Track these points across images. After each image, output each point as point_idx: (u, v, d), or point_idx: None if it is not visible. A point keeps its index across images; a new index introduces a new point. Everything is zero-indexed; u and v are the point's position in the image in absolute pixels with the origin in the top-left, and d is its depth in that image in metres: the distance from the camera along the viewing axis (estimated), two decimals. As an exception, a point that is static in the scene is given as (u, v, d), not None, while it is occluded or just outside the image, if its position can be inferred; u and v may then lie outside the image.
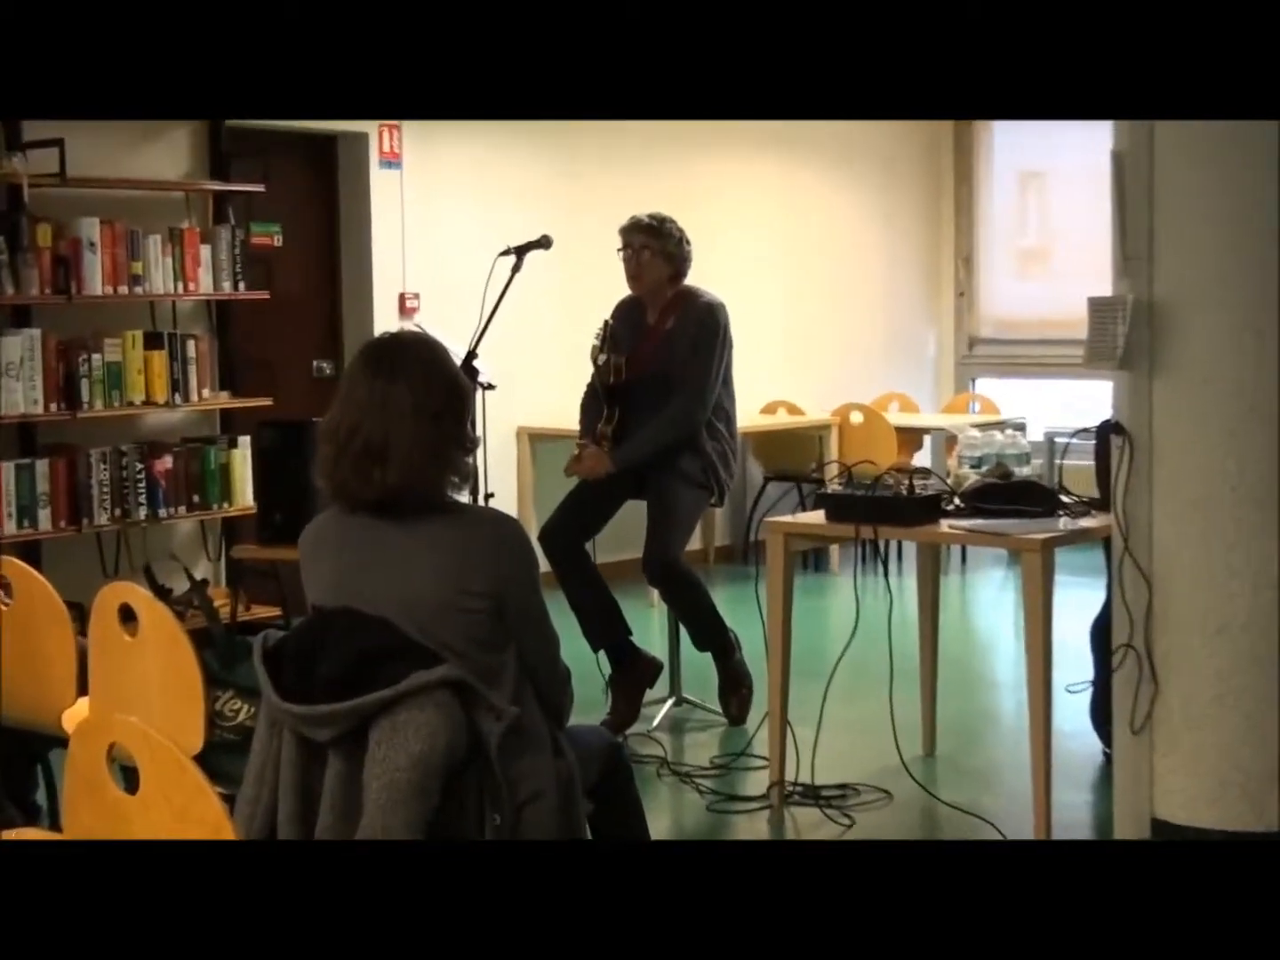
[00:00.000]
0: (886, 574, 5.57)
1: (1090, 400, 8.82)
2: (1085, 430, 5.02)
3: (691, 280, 5.94)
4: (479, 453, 3.28)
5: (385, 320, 7.74)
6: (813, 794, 4.99)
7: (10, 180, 6.24)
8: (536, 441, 8.29)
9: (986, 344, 10.75)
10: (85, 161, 6.53)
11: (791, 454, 9.10)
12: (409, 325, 7.43)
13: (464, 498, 3.27)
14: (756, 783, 5.21)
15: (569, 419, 6.41)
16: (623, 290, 5.96)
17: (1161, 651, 4.06)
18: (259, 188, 7.16)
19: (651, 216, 5.86)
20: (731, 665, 5.95)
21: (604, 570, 5.94)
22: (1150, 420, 4.04)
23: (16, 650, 3.90)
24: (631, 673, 5.85)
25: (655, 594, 6.96)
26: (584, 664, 5.54)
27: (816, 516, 4.95)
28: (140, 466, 6.64)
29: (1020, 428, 8.60)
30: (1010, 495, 4.84)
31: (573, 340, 7.88)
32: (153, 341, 6.70)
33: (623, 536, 6.40)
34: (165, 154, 7.04)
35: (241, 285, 6.98)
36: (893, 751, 5.00)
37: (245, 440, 6.91)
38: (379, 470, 3.02)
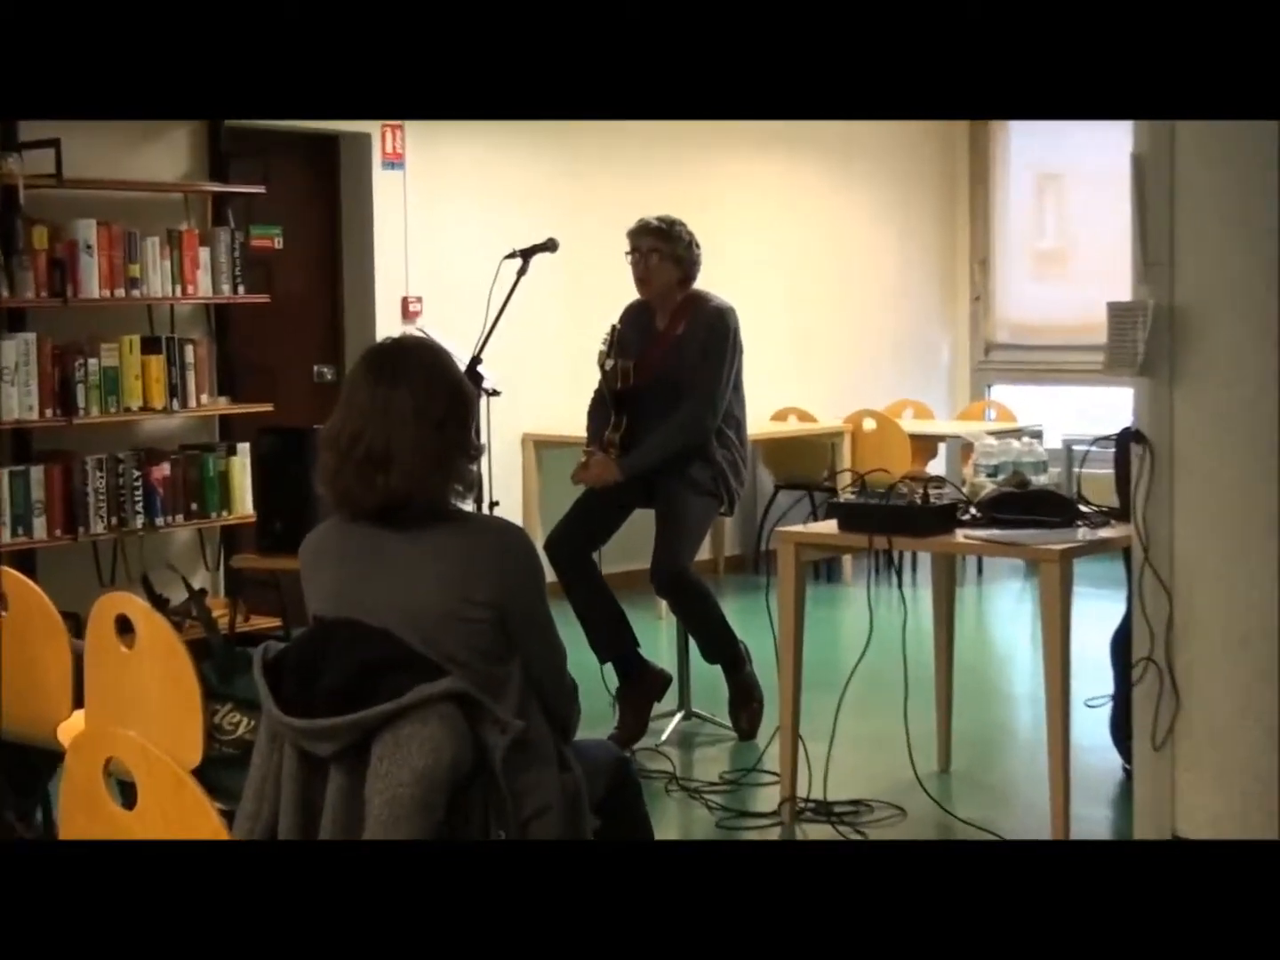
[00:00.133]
0: (901, 585, 5.56)
1: (1109, 407, 8.82)
2: (1104, 438, 5.01)
3: (701, 284, 5.95)
4: (483, 460, 3.28)
5: (388, 324, 7.75)
6: (825, 810, 4.99)
7: (5, 181, 6.25)
8: (542, 449, 8.29)
9: (1003, 349, 10.74)
10: (82, 162, 6.55)
11: (803, 462, 9.10)
12: (412, 329, 7.43)
13: (468, 506, 3.27)
14: (767, 799, 5.21)
15: (575, 426, 6.41)
16: (630, 294, 5.97)
17: (1183, 664, 4.06)
18: (259, 189, 7.17)
19: (660, 219, 5.86)
20: (742, 678, 5.95)
21: (611, 580, 5.94)
22: (1171, 428, 4.04)
23: (11, 662, 3.90)
24: (639, 685, 5.85)
25: (664, 605, 6.96)
26: (591, 676, 5.54)
27: (829, 526, 4.95)
28: (137, 474, 6.65)
29: (1037, 435, 8.61)
30: (1027, 504, 4.84)
31: (579, 345, 7.90)
32: (150, 346, 6.71)
33: (630, 546, 6.40)
34: (163, 154, 7.05)
35: (241, 288, 6.99)
36: (907, 767, 5.00)
37: (244, 447, 6.92)
38: (382, 478, 3.03)
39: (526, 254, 5.88)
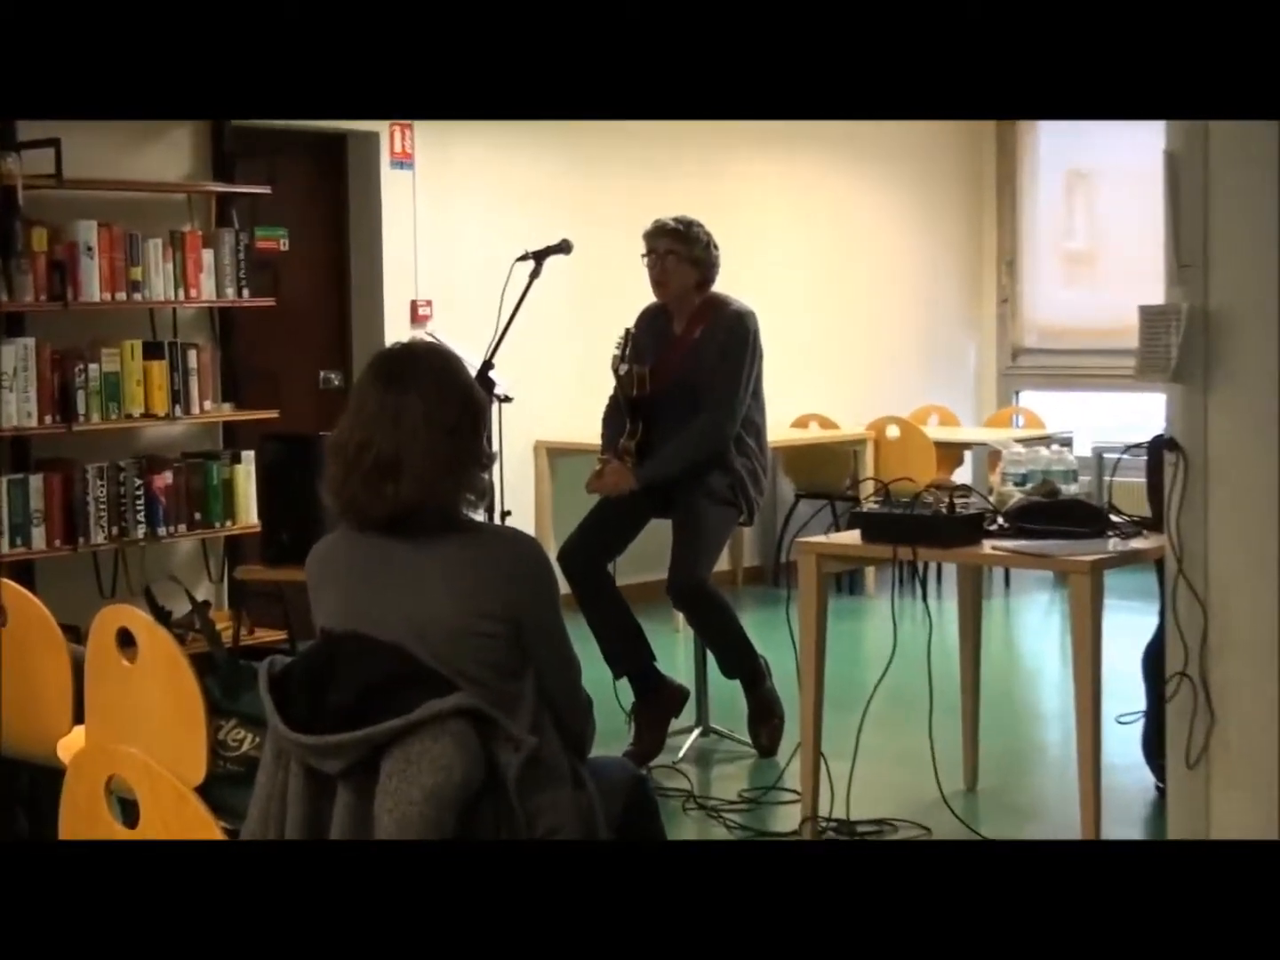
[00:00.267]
0: (925, 597, 5.55)
1: (1141, 414, 8.82)
2: (1136, 446, 5.01)
3: (719, 287, 5.95)
4: (495, 468, 3.28)
5: (396, 329, 7.76)
6: (847, 830, 4.98)
7: (4, 181, 6.27)
8: (555, 456, 8.30)
9: (1031, 354, 10.74)
10: (82, 162, 6.57)
11: (824, 470, 9.10)
12: (421, 334, 7.45)
13: (479, 516, 3.28)
14: (788, 818, 5.21)
15: (590, 432, 6.42)
16: (647, 297, 5.97)
17: (1218, 680, 4.04)
18: (264, 189, 7.19)
19: (677, 220, 5.86)
20: (761, 693, 5.95)
21: (627, 592, 5.94)
22: (1205, 435, 4.03)
23: (10, 676, 3.91)
24: (656, 701, 5.85)
25: (681, 618, 6.97)
26: (606, 692, 5.54)
27: (851, 536, 4.95)
28: (139, 482, 6.67)
29: (1067, 443, 8.60)
30: (1057, 514, 4.83)
31: (593, 350, 7.89)
32: (152, 351, 6.72)
33: (647, 557, 6.40)
34: (166, 154, 7.07)
35: (246, 292, 7.00)
36: (932, 785, 4.99)
37: (249, 455, 6.93)
38: (391, 487, 3.03)
39: (539, 256, 5.88)
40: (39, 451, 6.54)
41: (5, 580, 4.17)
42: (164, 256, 6.72)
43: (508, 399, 6.05)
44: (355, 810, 2.92)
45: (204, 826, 2.50)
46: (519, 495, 7.73)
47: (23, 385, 6.32)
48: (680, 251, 5.82)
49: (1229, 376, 3.99)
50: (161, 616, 3.83)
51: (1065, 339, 10.55)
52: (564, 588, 4.31)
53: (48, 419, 6.42)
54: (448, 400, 3.08)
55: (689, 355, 5.83)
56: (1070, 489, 5.25)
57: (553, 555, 5.50)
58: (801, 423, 9.37)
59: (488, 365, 5.75)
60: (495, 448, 3.40)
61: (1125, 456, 5.12)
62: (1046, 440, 8.20)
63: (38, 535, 6.41)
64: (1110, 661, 4.74)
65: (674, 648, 7.28)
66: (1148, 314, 4.08)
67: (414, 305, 7.94)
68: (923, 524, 4.73)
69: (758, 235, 9.15)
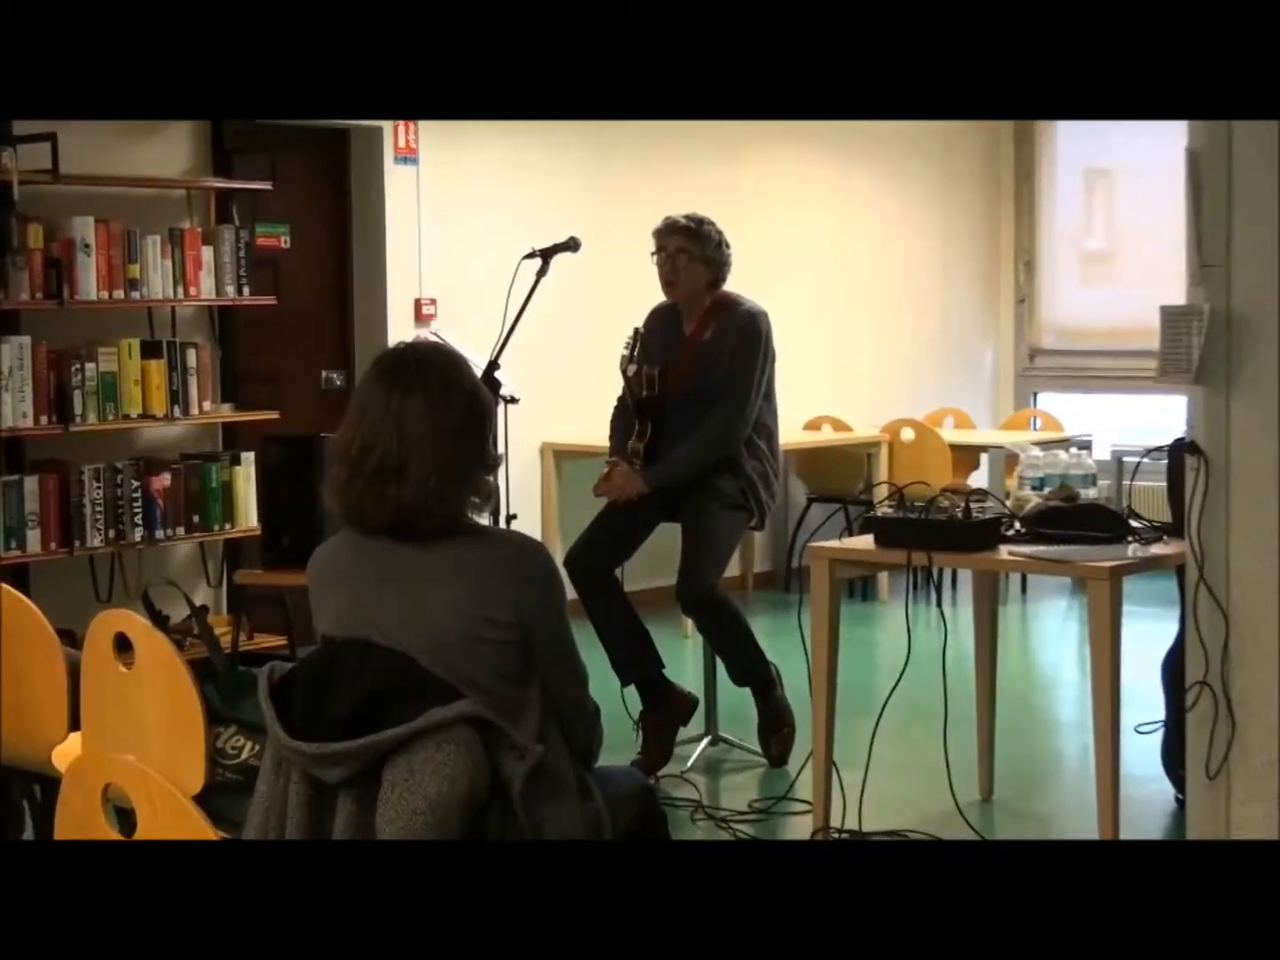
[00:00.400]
0: (940, 604, 5.54)
1: (1162, 417, 8.81)
2: (1156, 449, 5.00)
3: (730, 286, 5.95)
4: (500, 471, 3.29)
5: (400, 328, 7.77)
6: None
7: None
8: (563, 459, 8.30)
9: (1049, 355, 10.73)
10: (79, 157, 6.58)
11: (837, 474, 9.10)
12: (425, 333, 7.45)
13: (485, 520, 3.28)
14: (799, 829, 5.20)
15: (598, 435, 6.42)
16: (656, 296, 5.98)
17: (1239, 689, 4.04)
18: (265, 185, 7.20)
19: (689, 217, 5.86)
20: (772, 701, 5.95)
21: (635, 598, 5.95)
22: (1227, 439, 4.03)
23: (4, 682, 3.92)
24: (664, 709, 5.85)
25: (690, 624, 6.97)
26: (613, 700, 5.54)
27: (865, 541, 4.95)
28: (136, 484, 6.68)
29: (1086, 446, 8.58)
30: (1075, 519, 4.83)
31: (602, 350, 7.89)
32: (150, 350, 6.73)
33: (655, 562, 6.40)
34: (165, 149, 7.08)
35: (246, 290, 7.01)
36: (947, 796, 4.99)
37: (249, 457, 6.94)
38: (395, 490, 3.04)
39: (546, 254, 5.89)
40: (34, 453, 6.55)
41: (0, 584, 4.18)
42: (162, 254, 6.73)
43: (514, 400, 6.06)
44: (357, 820, 2.93)
45: (202, 836, 2.50)
46: (525, 498, 7.74)
47: (18, 385, 6.33)
48: (691, 250, 5.81)
49: (1252, 379, 3.99)
50: (159, 621, 3.83)
51: (1084, 340, 10.54)
52: (570, 593, 4.32)
53: (43, 419, 6.43)
54: (453, 402, 3.09)
55: (700, 356, 5.83)
56: (1089, 493, 5.24)
57: (559, 560, 5.50)
58: (814, 425, 9.37)
59: (493, 365, 5.75)
60: (501, 450, 3.41)
61: (1145, 460, 5.10)
62: (1065, 443, 8.19)
63: (33, 538, 6.42)
64: (1129, 670, 4.73)
65: (683, 654, 7.28)
66: (1169, 315, 4.08)
67: (418, 304, 7.95)
68: (938, 529, 4.73)
69: (770, 234, 9.15)
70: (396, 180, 7.87)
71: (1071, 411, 10.18)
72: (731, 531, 5.85)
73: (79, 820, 2.70)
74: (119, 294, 6.61)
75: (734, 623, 5.84)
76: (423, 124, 7.90)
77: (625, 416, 5.95)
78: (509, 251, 6.20)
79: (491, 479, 3.18)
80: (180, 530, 6.84)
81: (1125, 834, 4.67)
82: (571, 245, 5.97)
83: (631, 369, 5.80)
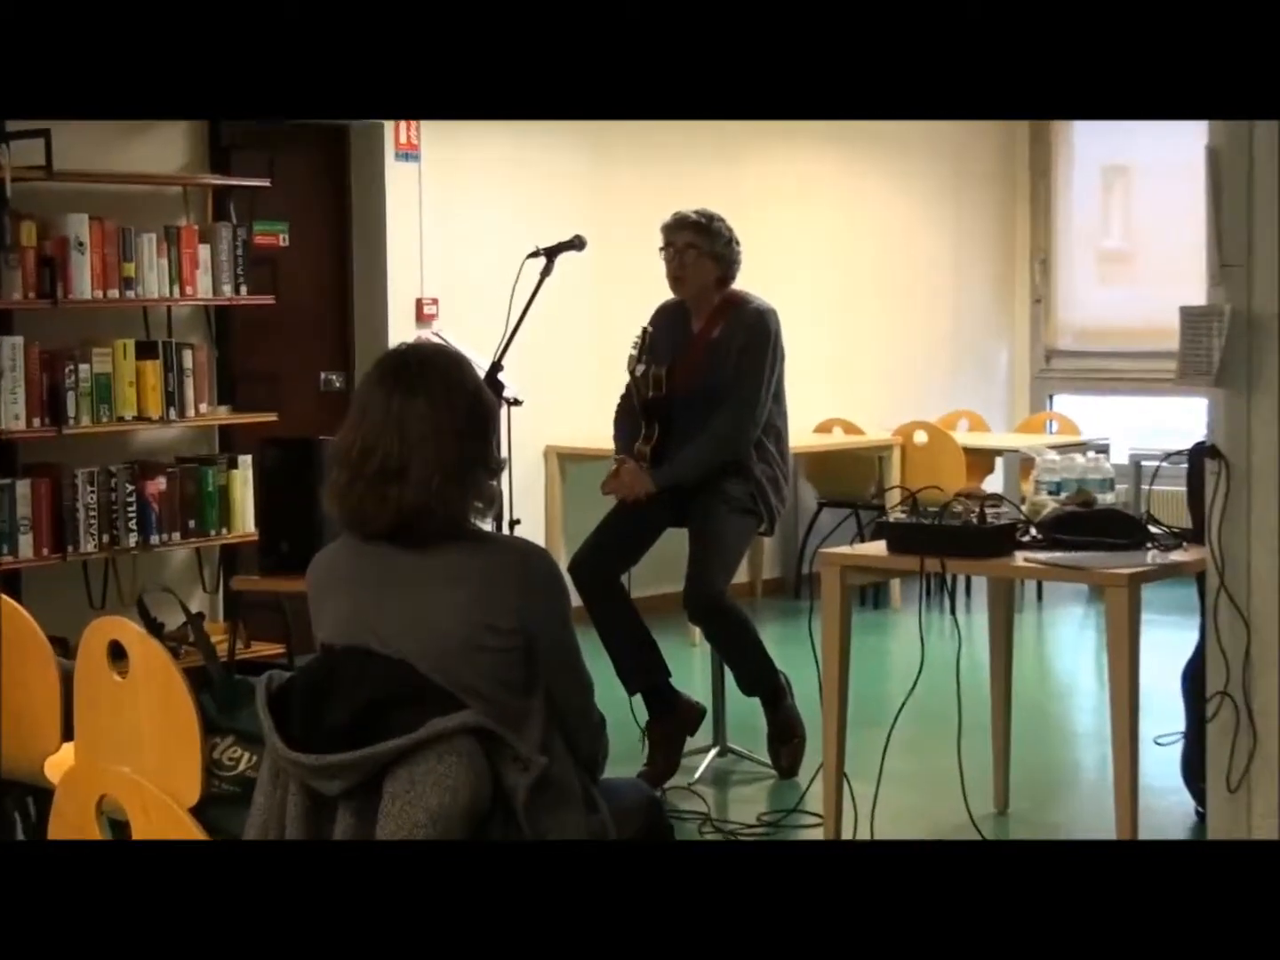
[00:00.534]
0: (954, 611, 5.55)
1: (1181, 420, 8.81)
2: (1176, 453, 5.00)
3: (739, 285, 5.95)
4: (503, 475, 3.29)
5: (401, 328, 7.77)
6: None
7: (-9, 174, 6.30)
8: (567, 462, 8.30)
9: (1065, 356, 10.72)
10: (73, 154, 6.58)
11: (849, 477, 9.09)
12: (427, 334, 7.46)
13: (488, 525, 3.28)
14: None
15: (602, 437, 6.42)
16: (663, 295, 5.97)
17: (1261, 700, 4.04)
18: (263, 182, 7.20)
19: (699, 212, 5.86)
20: (782, 711, 5.95)
21: (641, 605, 5.94)
22: (1249, 442, 4.03)
23: (-5, 690, 3.92)
24: (671, 719, 5.85)
25: (697, 632, 6.96)
26: (619, 709, 5.54)
27: (877, 547, 4.94)
28: (131, 488, 6.68)
29: (1103, 450, 8.58)
30: (1092, 525, 4.83)
31: (607, 351, 7.90)
32: (146, 351, 6.74)
33: (662, 568, 6.40)
34: (161, 146, 7.09)
35: (243, 289, 7.02)
36: (961, 808, 4.99)
37: (246, 460, 6.94)
38: (396, 494, 3.04)
39: (551, 252, 5.89)
40: (27, 456, 6.56)
41: (-9, 591, 4.18)
42: (158, 252, 6.73)
43: (517, 402, 6.05)
44: (356, 833, 2.93)
45: (199, 849, 2.51)
46: (529, 503, 7.73)
47: (10, 386, 6.34)
48: (701, 246, 5.81)
49: (1274, 381, 3.99)
50: (154, 629, 3.84)
51: (1101, 341, 10.53)
52: (575, 599, 4.32)
53: (36, 422, 6.43)
54: (455, 404, 3.09)
55: (708, 355, 5.82)
56: (1106, 498, 5.24)
57: (564, 565, 5.50)
58: (825, 428, 9.37)
59: (497, 367, 5.75)
60: (504, 453, 3.41)
61: (1164, 464, 5.10)
62: (1082, 447, 8.18)
63: (25, 543, 6.42)
64: (1148, 679, 4.72)
65: (690, 663, 7.28)
66: (1189, 315, 4.08)
67: (419, 304, 7.95)
68: (952, 534, 4.73)
69: (779, 232, 9.15)
70: (397, 177, 7.87)
71: (1089, 414, 10.17)
72: (740, 536, 5.84)
73: (73, 833, 2.70)
74: (114, 293, 6.62)
75: (743, 630, 5.83)
76: (424, 121, 7.90)
77: (628, 416, 5.94)
78: (512, 250, 6.20)
79: (495, 484, 3.18)
80: (176, 535, 6.84)
81: (1144, 848, 4.66)
82: (577, 244, 5.97)
83: (639, 369, 5.80)
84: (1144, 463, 8.34)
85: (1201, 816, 5.07)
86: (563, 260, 5.94)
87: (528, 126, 8.14)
